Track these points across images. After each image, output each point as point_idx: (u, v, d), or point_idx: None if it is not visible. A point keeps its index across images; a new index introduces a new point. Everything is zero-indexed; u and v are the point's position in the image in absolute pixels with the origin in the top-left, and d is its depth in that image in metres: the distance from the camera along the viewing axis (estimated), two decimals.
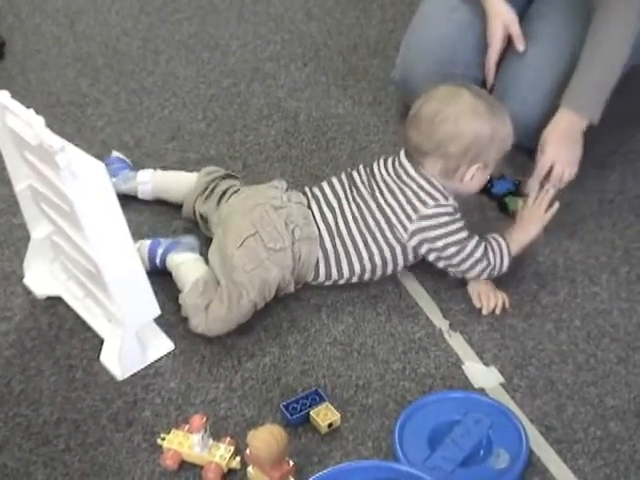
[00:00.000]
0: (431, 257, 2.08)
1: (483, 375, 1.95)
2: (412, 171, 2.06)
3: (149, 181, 2.31)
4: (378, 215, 2.06)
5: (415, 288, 2.14)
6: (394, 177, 2.07)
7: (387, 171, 2.09)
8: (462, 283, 2.13)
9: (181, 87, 2.80)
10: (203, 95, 2.76)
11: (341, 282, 2.11)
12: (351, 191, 2.11)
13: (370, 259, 2.07)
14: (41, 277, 2.12)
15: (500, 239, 2.10)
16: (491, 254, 2.07)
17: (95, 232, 1.80)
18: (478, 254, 2.06)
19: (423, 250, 2.07)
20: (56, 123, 2.49)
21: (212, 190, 2.22)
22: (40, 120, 1.74)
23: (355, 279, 2.11)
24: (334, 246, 2.07)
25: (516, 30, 2.37)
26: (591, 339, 2.03)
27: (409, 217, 2.04)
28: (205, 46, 2.98)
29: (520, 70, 2.39)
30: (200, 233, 2.23)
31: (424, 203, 2.04)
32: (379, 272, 2.11)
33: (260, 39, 3.01)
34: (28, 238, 2.09)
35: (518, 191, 2.34)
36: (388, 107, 2.69)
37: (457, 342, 2.02)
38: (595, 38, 2.27)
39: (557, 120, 2.27)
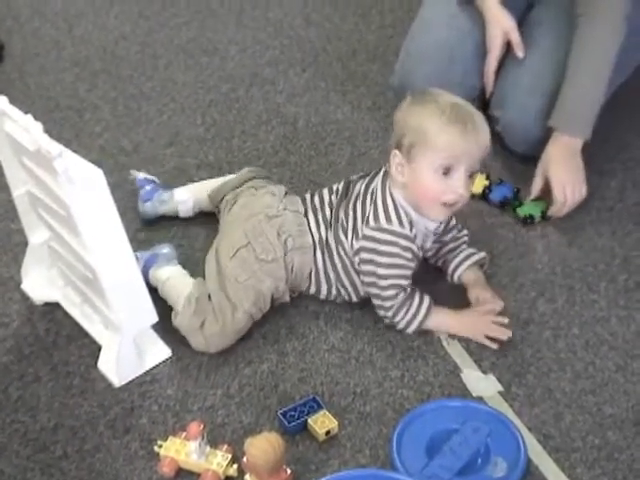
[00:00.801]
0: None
1: (481, 383, 1.94)
2: (378, 183, 2.00)
3: (188, 199, 2.28)
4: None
5: None
6: (366, 189, 2.02)
7: (371, 181, 2.03)
8: (460, 289, 2.13)
9: (179, 92, 2.80)
10: (202, 100, 2.76)
11: (332, 299, 2.10)
12: (342, 203, 2.06)
13: (351, 283, 2.05)
14: (39, 283, 2.12)
15: (423, 307, 1.99)
16: (402, 312, 1.99)
17: (93, 238, 1.79)
18: (389, 310, 2.00)
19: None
20: (54, 128, 2.49)
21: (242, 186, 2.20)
22: (38, 126, 1.73)
23: (343, 299, 2.10)
24: (324, 261, 2.05)
25: (516, 37, 2.37)
26: (589, 347, 2.02)
27: (355, 231, 2.00)
28: (204, 51, 2.99)
29: (519, 76, 2.39)
30: (175, 241, 2.24)
31: (367, 221, 1.97)
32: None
33: (259, 44, 3.02)
34: (26, 244, 2.08)
35: (517, 198, 2.34)
36: (387, 113, 2.68)
37: (455, 350, 2.01)
38: (580, 48, 2.28)
39: (553, 144, 2.28)
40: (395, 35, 2.97)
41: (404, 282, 1.98)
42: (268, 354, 2.00)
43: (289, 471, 1.73)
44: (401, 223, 1.96)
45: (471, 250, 2.14)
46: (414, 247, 1.97)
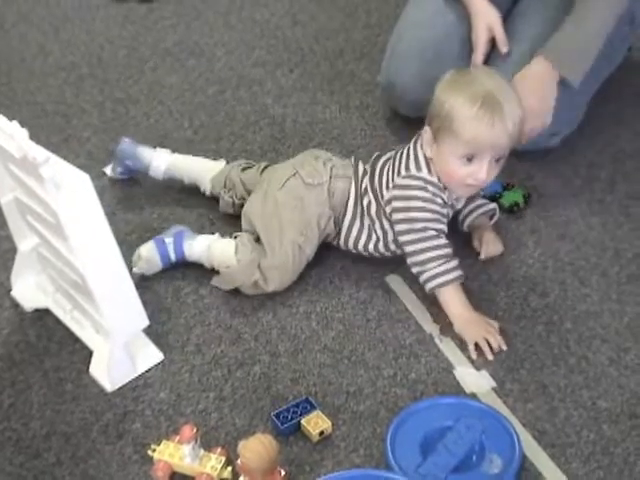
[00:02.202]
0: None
1: (474, 380, 1.94)
2: (411, 144, 2.08)
3: (163, 163, 2.36)
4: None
5: (405, 293, 2.13)
6: (397, 152, 2.12)
7: (404, 147, 2.12)
8: None
9: (167, 95, 2.79)
10: (189, 103, 2.76)
11: (360, 248, 2.18)
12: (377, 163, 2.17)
13: (381, 226, 2.13)
14: (29, 290, 2.11)
15: (453, 274, 2.02)
16: (434, 263, 2.02)
17: (81, 243, 1.78)
18: (427, 252, 2.04)
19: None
20: (42, 133, 2.49)
21: (249, 166, 2.31)
22: (24, 132, 1.72)
23: (372, 252, 2.17)
24: (355, 206, 2.14)
25: (499, 32, 2.37)
26: (582, 341, 2.02)
27: (387, 185, 2.09)
28: (190, 53, 2.98)
29: (506, 71, 2.38)
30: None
31: (399, 172, 2.06)
32: (391, 247, 2.15)
33: (246, 45, 3.01)
34: (15, 250, 2.08)
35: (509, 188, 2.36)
36: (375, 111, 2.68)
37: (448, 347, 2.01)
38: (581, 7, 2.27)
39: (529, 68, 2.27)
40: (382, 33, 2.97)
41: (440, 225, 2.04)
42: (260, 355, 1.99)
43: (283, 472, 1.72)
44: (430, 172, 2.03)
45: (482, 201, 2.21)
46: (443, 195, 2.04)
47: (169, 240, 2.16)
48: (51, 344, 2.03)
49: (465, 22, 2.42)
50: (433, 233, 2.03)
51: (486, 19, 2.38)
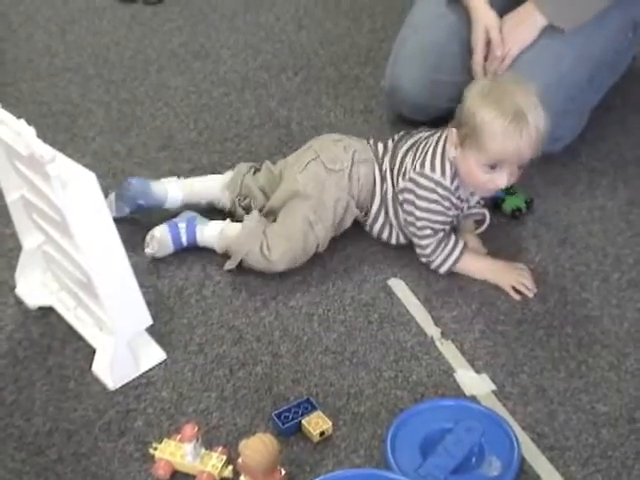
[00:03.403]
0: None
1: (475, 383, 1.95)
2: (442, 134, 2.12)
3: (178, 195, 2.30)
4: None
5: (407, 296, 2.14)
6: (427, 137, 2.17)
7: (434, 133, 2.17)
8: (453, 290, 2.14)
9: (172, 97, 2.80)
10: (194, 104, 2.77)
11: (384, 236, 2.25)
12: (401, 143, 2.23)
13: (395, 212, 2.19)
14: (33, 287, 2.12)
15: (457, 249, 2.15)
16: (438, 251, 2.14)
17: (86, 241, 1.80)
18: (427, 248, 2.14)
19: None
20: (48, 133, 2.49)
21: (257, 168, 2.33)
22: (31, 130, 1.74)
23: (390, 238, 2.24)
24: (380, 184, 2.20)
25: (495, 35, 2.38)
26: (582, 346, 2.03)
27: (404, 175, 2.15)
28: (196, 56, 3.00)
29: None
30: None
31: (414, 166, 2.12)
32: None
33: (251, 48, 3.03)
34: (20, 248, 2.09)
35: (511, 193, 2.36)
36: (379, 115, 2.70)
37: (449, 350, 2.02)
38: None
39: (517, 10, 2.37)
40: (386, 38, 2.98)
41: (438, 226, 2.13)
42: (262, 356, 2.00)
43: (284, 472, 1.73)
44: (444, 174, 2.09)
45: (475, 208, 2.23)
46: (452, 198, 2.11)
47: (182, 224, 2.20)
48: (54, 342, 2.04)
49: (467, 24, 2.44)
50: (431, 232, 2.12)
51: (484, 22, 2.39)
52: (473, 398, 1.92)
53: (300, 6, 3.26)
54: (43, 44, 3.06)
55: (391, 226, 2.21)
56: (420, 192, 2.10)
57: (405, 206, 2.15)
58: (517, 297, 2.11)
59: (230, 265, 2.16)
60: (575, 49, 2.36)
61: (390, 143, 2.24)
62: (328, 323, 2.08)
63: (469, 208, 2.19)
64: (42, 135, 1.75)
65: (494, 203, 2.34)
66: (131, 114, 2.73)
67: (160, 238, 2.19)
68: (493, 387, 1.94)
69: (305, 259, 2.17)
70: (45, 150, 1.70)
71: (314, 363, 1.99)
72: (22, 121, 1.77)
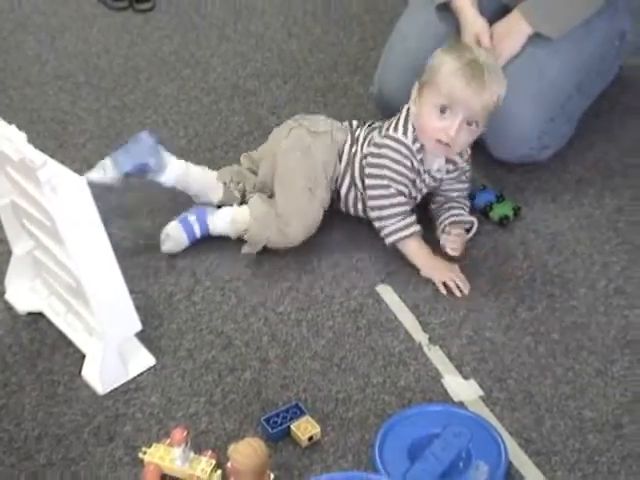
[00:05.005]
0: None
1: (462, 388, 1.96)
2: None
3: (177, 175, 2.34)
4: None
5: (395, 302, 2.15)
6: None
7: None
8: (441, 296, 2.16)
9: (162, 104, 2.81)
10: (184, 112, 2.78)
11: (350, 206, 2.31)
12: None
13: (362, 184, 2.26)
14: (23, 293, 2.12)
15: (412, 229, 2.19)
16: (393, 220, 2.19)
17: (76, 247, 1.80)
18: (383, 209, 2.20)
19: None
20: (38, 140, 2.46)
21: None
22: (22, 135, 1.74)
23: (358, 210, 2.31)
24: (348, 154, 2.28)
25: (486, 41, 2.39)
26: (569, 352, 2.04)
27: (370, 142, 2.25)
28: (186, 64, 3.01)
29: None
30: None
31: (380, 131, 2.24)
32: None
33: (240, 57, 3.04)
34: (10, 254, 2.09)
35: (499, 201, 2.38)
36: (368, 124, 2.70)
37: (436, 356, 2.03)
38: None
39: (506, 18, 2.42)
40: (376, 47, 2.99)
41: (403, 188, 2.20)
42: (251, 361, 2.01)
43: (272, 476, 1.74)
44: (405, 133, 2.19)
45: (464, 213, 2.29)
46: (414, 160, 2.18)
47: (192, 217, 2.24)
48: (44, 347, 2.04)
49: (455, 33, 2.45)
50: (394, 192, 2.19)
51: (474, 29, 2.41)
52: (461, 403, 1.93)
53: (290, 15, 3.27)
54: (33, 52, 3.07)
55: (356, 188, 2.26)
56: (384, 151, 2.19)
57: (367, 170, 2.21)
58: (444, 291, 2.16)
59: (248, 250, 2.23)
60: (563, 56, 2.38)
61: (366, 123, 2.34)
62: (317, 329, 2.09)
63: (432, 186, 2.27)
64: (32, 142, 1.76)
65: (482, 211, 2.35)
66: (121, 121, 2.74)
67: (174, 235, 2.24)
68: (481, 393, 1.95)
69: (318, 224, 2.24)
70: (36, 155, 1.71)
71: (303, 368, 2.00)
72: (13, 126, 1.78)
